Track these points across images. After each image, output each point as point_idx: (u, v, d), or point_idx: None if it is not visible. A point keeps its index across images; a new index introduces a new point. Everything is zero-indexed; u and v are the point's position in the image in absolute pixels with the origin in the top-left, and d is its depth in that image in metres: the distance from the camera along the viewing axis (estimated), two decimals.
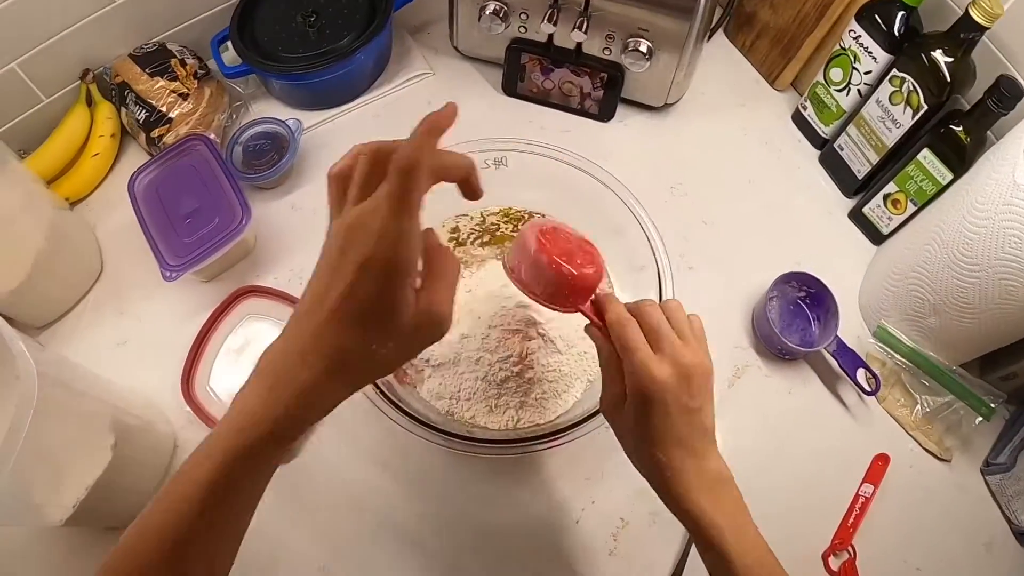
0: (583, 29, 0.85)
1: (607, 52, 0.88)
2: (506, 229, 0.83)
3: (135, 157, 0.98)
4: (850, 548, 0.79)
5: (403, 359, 0.45)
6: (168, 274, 0.82)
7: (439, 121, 0.43)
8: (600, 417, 0.66)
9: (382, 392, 0.68)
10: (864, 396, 0.84)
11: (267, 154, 0.90)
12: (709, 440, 0.55)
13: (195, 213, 0.85)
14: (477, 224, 0.84)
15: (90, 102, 0.97)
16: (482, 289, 0.79)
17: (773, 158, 0.95)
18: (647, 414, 0.53)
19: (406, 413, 0.68)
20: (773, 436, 0.82)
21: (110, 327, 0.89)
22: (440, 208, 0.83)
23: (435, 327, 0.43)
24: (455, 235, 0.83)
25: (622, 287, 0.81)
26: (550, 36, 0.89)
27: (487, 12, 0.89)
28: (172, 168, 0.88)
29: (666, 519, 0.74)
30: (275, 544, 0.75)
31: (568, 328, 0.77)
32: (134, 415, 0.76)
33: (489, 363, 0.74)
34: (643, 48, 0.86)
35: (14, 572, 0.78)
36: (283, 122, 0.90)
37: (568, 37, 0.88)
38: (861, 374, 0.83)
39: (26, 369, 0.58)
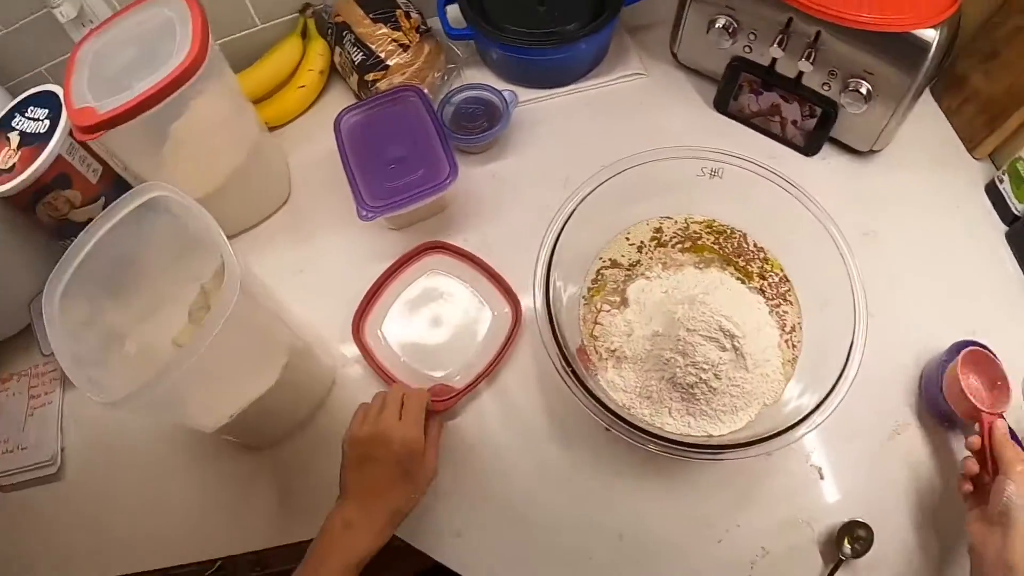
0: (810, 60, 0.86)
1: (826, 88, 0.88)
2: (707, 240, 0.84)
3: (339, 97, 1.01)
4: None
5: (421, 496, 0.72)
6: (365, 213, 0.84)
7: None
8: (767, 444, 0.67)
9: (572, 371, 0.70)
10: None
11: (478, 119, 0.92)
12: None
13: (400, 161, 0.87)
14: (680, 229, 0.84)
15: (304, 36, 0.99)
16: (679, 292, 0.80)
17: (960, 224, 0.94)
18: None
19: (591, 394, 0.69)
20: (921, 497, 0.81)
21: (289, 253, 0.90)
22: (647, 207, 0.85)
23: (432, 473, 0.73)
24: (657, 235, 0.84)
25: (809, 323, 0.80)
26: (773, 61, 0.90)
27: (717, 25, 0.89)
28: (382, 113, 0.90)
29: (805, 555, 0.76)
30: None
31: (758, 348, 0.77)
32: (304, 342, 0.77)
33: (680, 365, 0.74)
34: (863, 90, 0.86)
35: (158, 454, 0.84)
36: (499, 92, 0.92)
37: (790, 65, 0.89)
38: None
39: (232, 272, 0.61)
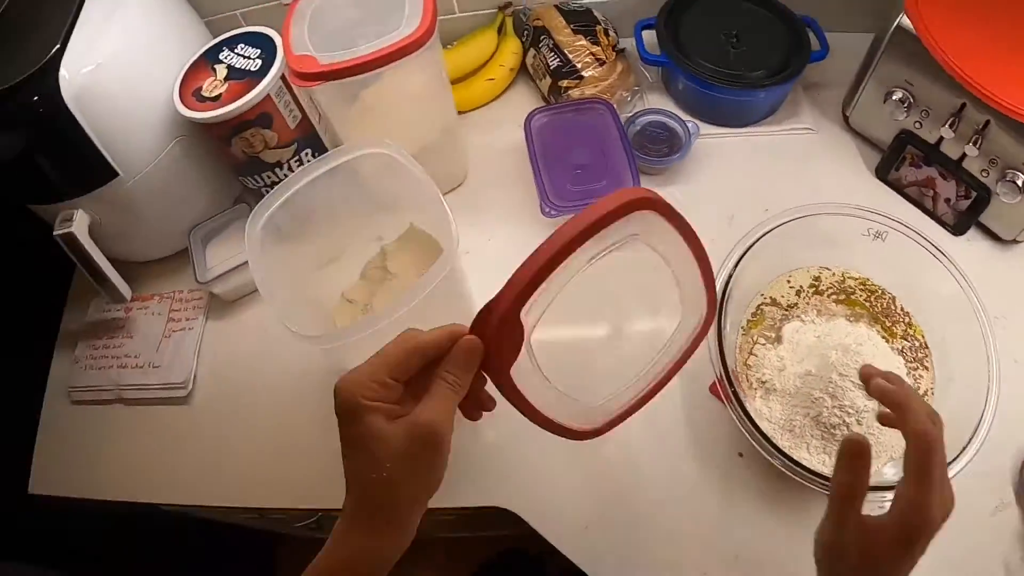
0: (976, 145, 0.91)
1: (984, 174, 0.94)
2: (860, 296, 0.90)
3: (522, 96, 1.06)
4: None
5: (416, 485, 0.51)
6: (548, 210, 0.90)
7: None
8: (887, 493, 0.69)
9: (733, 391, 0.76)
10: None
11: (659, 143, 0.98)
12: None
13: (585, 168, 0.93)
14: (837, 281, 0.90)
15: (500, 32, 1.05)
16: (831, 339, 0.85)
17: None
18: (908, 554, 0.52)
19: (748, 418, 0.75)
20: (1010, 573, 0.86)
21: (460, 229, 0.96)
22: (810, 255, 0.90)
23: (430, 437, 0.49)
24: (816, 283, 0.90)
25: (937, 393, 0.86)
26: (940, 139, 0.95)
27: (894, 98, 0.95)
28: (571, 120, 0.96)
29: None
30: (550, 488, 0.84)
31: None
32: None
33: (827, 406, 0.80)
34: (1020, 183, 0.91)
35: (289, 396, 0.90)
36: (683, 121, 0.98)
37: (954, 146, 0.94)
38: None
39: (451, 243, 0.68)
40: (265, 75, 0.87)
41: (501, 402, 0.56)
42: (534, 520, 0.84)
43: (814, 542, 0.55)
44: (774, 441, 0.78)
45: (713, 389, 0.89)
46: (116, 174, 0.87)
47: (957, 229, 0.99)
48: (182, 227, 1.01)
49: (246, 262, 0.94)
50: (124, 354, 1.00)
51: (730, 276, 0.82)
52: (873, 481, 0.76)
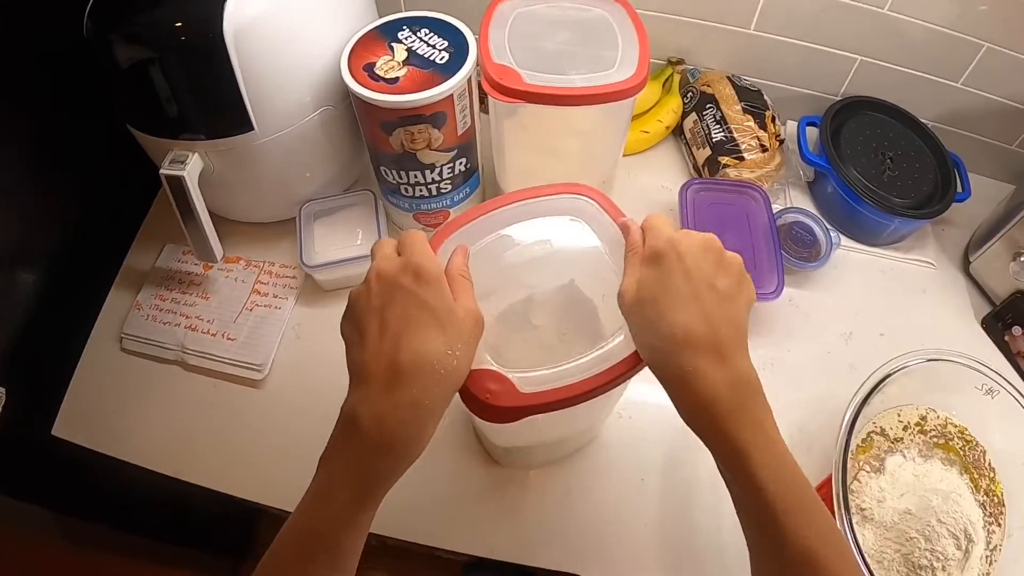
0: None
1: None
2: (956, 443, 0.94)
3: (667, 157, 1.06)
4: None
5: (469, 358, 0.51)
6: None
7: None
8: None
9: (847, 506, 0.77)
10: None
11: (803, 246, 0.98)
12: (739, 341, 0.50)
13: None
14: (939, 424, 0.94)
15: (665, 87, 1.03)
16: (928, 480, 0.89)
17: None
18: (662, 281, 0.50)
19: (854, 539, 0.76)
20: None
21: None
22: (923, 396, 0.93)
23: (473, 317, 0.51)
24: (922, 422, 0.94)
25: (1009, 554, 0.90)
26: None
27: (1021, 259, 0.99)
28: (725, 199, 0.96)
29: None
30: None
31: (978, 555, 0.87)
32: None
33: (920, 547, 0.84)
34: None
35: None
36: (828, 228, 0.99)
37: None
38: None
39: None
40: (455, 72, 0.81)
41: None
42: None
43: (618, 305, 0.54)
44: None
45: (821, 490, 0.91)
46: (251, 128, 0.82)
47: None
48: (296, 198, 0.96)
49: (358, 257, 0.91)
50: (196, 315, 0.93)
51: (856, 413, 0.83)
52: None
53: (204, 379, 0.91)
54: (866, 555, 0.85)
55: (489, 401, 0.52)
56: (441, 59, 0.82)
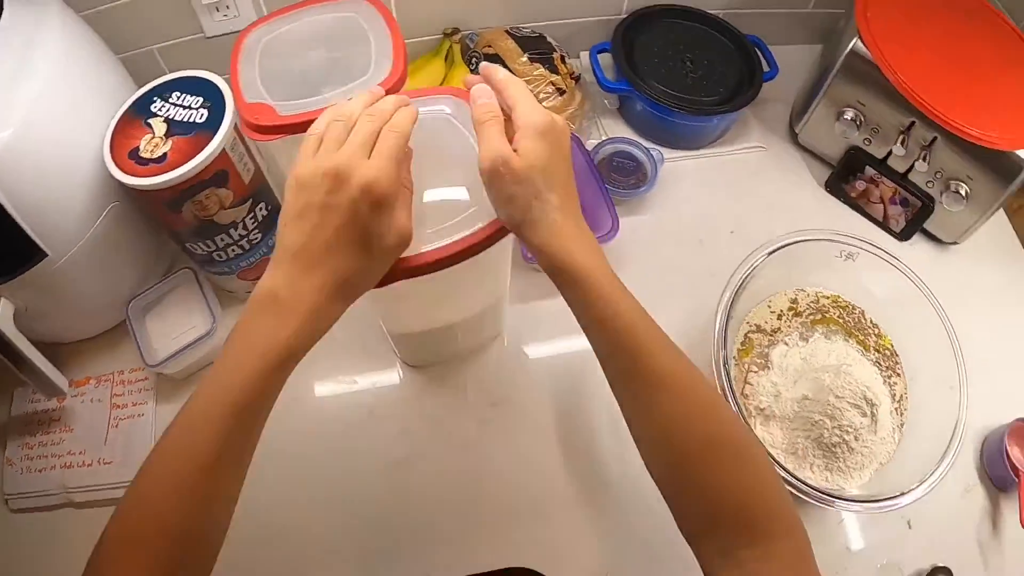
0: (925, 160, 0.97)
1: (929, 185, 1.00)
2: (833, 313, 0.94)
3: None
4: None
5: (382, 272, 0.55)
6: (529, 256, 0.87)
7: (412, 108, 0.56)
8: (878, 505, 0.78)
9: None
10: None
11: (627, 174, 0.97)
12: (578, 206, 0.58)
13: None
14: (812, 301, 0.94)
15: (447, 60, 1.00)
16: (816, 360, 0.89)
17: (1012, 314, 1.08)
18: (545, 152, 0.53)
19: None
20: (983, 549, 0.93)
21: None
22: (787, 279, 0.93)
23: (404, 240, 0.53)
24: (794, 305, 0.93)
25: (915, 401, 0.91)
26: (888, 154, 1.00)
27: (846, 117, 0.99)
28: None
29: None
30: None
31: (886, 413, 0.87)
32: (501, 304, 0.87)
33: (827, 427, 0.83)
34: (962, 191, 0.98)
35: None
36: (648, 150, 0.97)
37: (902, 161, 0.99)
38: None
39: None
40: (217, 127, 0.75)
41: None
42: (546, 568, 0.82)
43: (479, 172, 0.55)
44: (784, 465, 0.80)
45: None
46: (44, 254, 0.76)
47: (903, 236, 1.05)
48: (118, 301, 0.90)
49: (199, 339, 0.86)
50: (67, 451, 0.87)
51: (727, 317, 0.82)
52: (867, 493, 0.82)
53: (97, 511, 0.86)
54: (777, 451, 0.85)
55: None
56: (201, 118, 0.77)
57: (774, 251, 0.87)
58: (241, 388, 0.48)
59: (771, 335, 0.91)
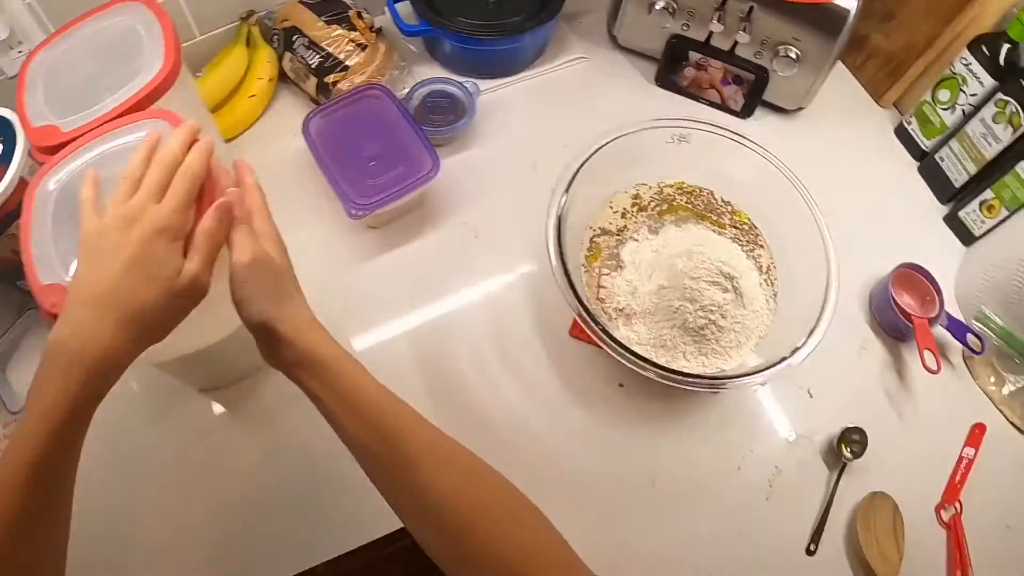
0: (746, 31, 0.95)
1: (759, 56, 0.98)
2: (680, 200, 0.91)
3: (290, 103, 1.00)
4: (958, 503, 0.88)
5: (180, 315, 0.54)
6: (355, 212, 0.84)
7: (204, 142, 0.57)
8: (774, 370, 0.74)
9: (597, 322, 0.73)
10: (962, 366, 0.95)
11: (444, 112, 0.94)
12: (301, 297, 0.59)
13: (378, 158, 0.88)
14: (655, 193, 0.91)
15: (249, 44, 0.98)
16: (668, 249, 0.86)
17: (876, 165, 1.07)
18: (286, 257, 0.58)
19: (621, 345, 0.74)
20: (893, 399, 0.92)
21: None
22: (624, 177, 0.90)
23: (196, 285, 0.53)
24: (637, 200, 0.90)
25: (780, 267, 0.89)
26: (710, 35, 0.98)
27: (657, 8, 0.97)
28: (349, 114, 0.91)
29: (813, 466, 0.85)
30: None
31: (753, 285, 0.84)
32: None
33: (690, 311, 0.80)
34: (792, 55, 0.96)
35: None
36: (461, 84, 0.95)
37: (725, 38, 0.97)
38: (969, 338, 0.94)
39: None
40: (10, 159, 0.75)
41: None
42: None
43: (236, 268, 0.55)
44: (655, 361, 0.77)
45: (574, 332, 0.87)
46: None
47: (744, 113, 1.03)
48: None
49: None
50: None
51: (559, 217, 0.79)
52: (739, 370, 0.79)
53: None
54: (645, 347, 0.82)
55: None
56: None
57: (597, 150, 0.84)
58: (35, 448, 0.47)
59: (618, 235, 0.88)
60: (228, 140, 0.95)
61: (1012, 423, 0.96)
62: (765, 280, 0.88)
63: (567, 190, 0.80)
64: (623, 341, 0.81)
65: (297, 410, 0.73)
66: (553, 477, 0.80)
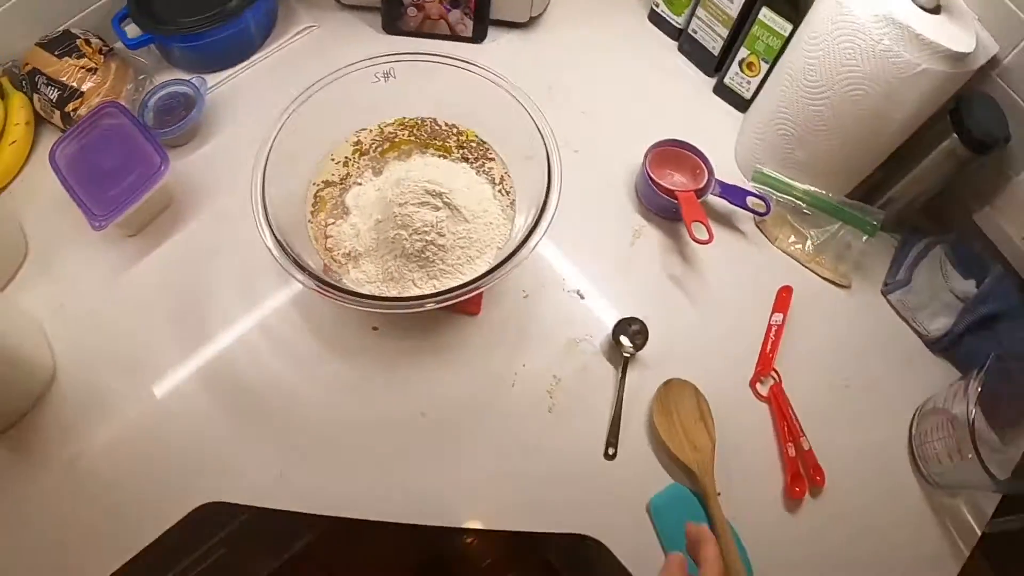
0: None
1: None
2: (403, 135, 0.91)
3: (51, 139, 1.04)
4: (774, 373, 0.85)
5: None
6: (97, 224, 0.87)
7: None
8: (506, 265, 0.73)
9: (321, 282, 0.73)
10: (755, 232, 0.92)
11: (177, 111, 0.97)
12: None
13: (116, 170, 0.90)
14: (377, 135, 0.91)
15: (1, 95, 1.02)
16: (391, 185, 0.85)
17: (636, 55, 1.05)
18: None
19: (346, 290, 0.73)
20: (680, 282, 0.89)
21: (44, 295, 0.92)
22: (343, 127, 0.90)
23: None
24: (358, 147, 0.90)
25: (519, 173, 0.87)
26: None
27: None
28: (89, 136, 0.94)
29: (595, 367, 0.83)
30: (232, 457, 0.80)
31: (471, 199, 0.83)
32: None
33: (405, 238, 0.80)
34: None
35: None
36: (188, 81, 0.97)
37: None
38: (750, 202, 0.91)
39: None
40: None
41: None
42: (232, 496, 0.78)
43: None
44: (384, 296, 0.77)
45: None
46: None
47: (477, 38, 1.03)
48: None
49: None
50: None
51: (263, 181, 0.79)
52: None
53: None
54: (375, 284, 0.82)
55: None
56: None
57: (295, 106, 0.85)
58: None
59: (341, 184, 0.89)
60: (0, 190, 1.00)
61: (823, 277, 0.93)
62: (500, 191, 0.87)
63: (265, 165, 0.80)
64: (353, 284, 0.83)
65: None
66: (327, 435, 0.81)
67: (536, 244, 0.74)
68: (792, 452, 0.82)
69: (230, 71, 1.04)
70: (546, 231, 0.76)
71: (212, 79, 1.03)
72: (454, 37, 1.02)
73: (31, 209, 0.98)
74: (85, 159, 0.93)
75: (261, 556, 1.19)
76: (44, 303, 0.91)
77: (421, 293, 0.81)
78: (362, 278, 0.83)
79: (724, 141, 0.99)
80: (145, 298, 0.91)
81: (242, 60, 1.04)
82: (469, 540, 1.33)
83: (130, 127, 0.93)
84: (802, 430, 0.83)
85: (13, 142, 1.00)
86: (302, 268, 0.74)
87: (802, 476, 0.80)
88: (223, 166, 0.97)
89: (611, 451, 0.80)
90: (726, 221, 0.95)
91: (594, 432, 0.81)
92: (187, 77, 1.00)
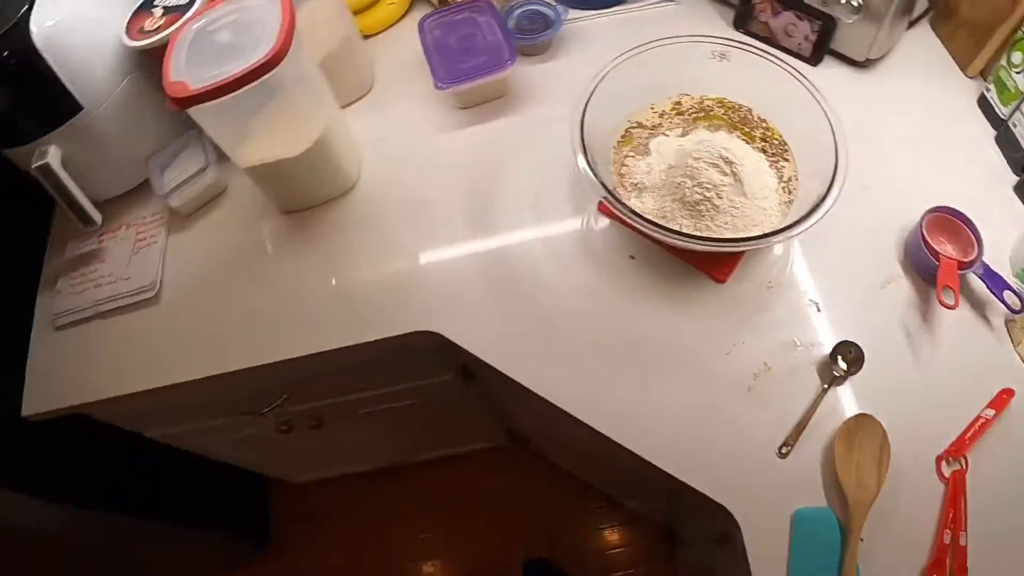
0: None
1: (824, 3, 1.05)
2: (718, 112, 1.00)
3: (421, 12, 1.23)
4: (963, 459, 0.85)
5: None
6: (440, 84, 1.04)
7: None
8: (765, 240, 0.82)
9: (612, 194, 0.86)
10: (1002, 328, 0.93)
11: (536, 26, 1.12)
12: None
13: (469, 51, 1.08)
14: (696, 103, 1.01)
15: None
16: (692, 145, 0.95)
17: (952, 129, 1.07)
18: None
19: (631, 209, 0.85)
20: (911, 336, 0.92)
21: (371, 125, 1.10)
22: (670, 85, 1.01)
23: None
24: (677, 106, 1.01)
25: (806, 184, 0.93)
26: None
27: None
28: (457, 19, 1.12)
29: (803, 373, 0.89)
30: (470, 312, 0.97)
31: (756, 183, 0.91)
32: (338, 133, 1.02)
33: (688, 187, 0.90)
34: (855, 3, 1.02)
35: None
36: (553, 6, 1.13)
37: None
38: (1007, 296, 0.92)
39: None
40: (192, 4, 1.00)
41: None
42: (459, 338, 0.94)
43: None
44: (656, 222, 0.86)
45: (601, 208, 0.99)
46: (80, 107, 0.99)
47: (813, 59, 1.10)
48: (141, 157, 1.13)
49: (198, 171, 1.09)
50: (98, 276, 1.10)
51: (584, 109, 0.92)
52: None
53: (117, 319, 1.06)
54: (648, 215, 0.92)
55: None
56: (184, 1, 1.04)
57: (635, 53, 0.97)
58: None
59: (651, 130, 1.00)
60: (367, 37, 1.20)
61: None
62: (784, 188, 0.95)
63: (600, 82, 0.94)
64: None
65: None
66: (556, 327, 0.94)
67: (803, 231, 0.82)
68: (947, 539, 0.80)
69: (591, 13, 1.18)
70: (816, 222, 0.82)
71: (573, 14, 1.17)
72: (792, 53, 1.10)
73: (386, 58, 1.18)
74: (447, 35, 1.10)
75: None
76: (368, 132, 1.10)
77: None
78: (640, 207, 0.93)
79: (1006, 233, 1.00)
80: (449, 163, 1.07)
81: (604, 7, 1.18)
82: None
83: (493, 23, 1.09)
84: (966, 526, 0.81)
85: (391, 3, 1.19)
86: (606, 188, 0.86)
87: (945, 566, 0.79)
88: (558, 83, 1.12)
89: (785, 450, 0.84)
90: (978, 305, 0.96)
91: (778, 427, 0.86)
92: (552, 3, 1.14)
